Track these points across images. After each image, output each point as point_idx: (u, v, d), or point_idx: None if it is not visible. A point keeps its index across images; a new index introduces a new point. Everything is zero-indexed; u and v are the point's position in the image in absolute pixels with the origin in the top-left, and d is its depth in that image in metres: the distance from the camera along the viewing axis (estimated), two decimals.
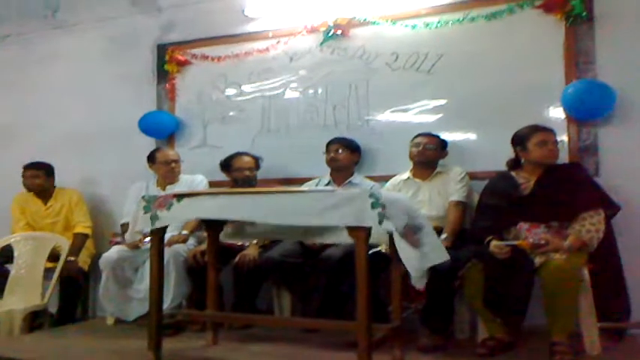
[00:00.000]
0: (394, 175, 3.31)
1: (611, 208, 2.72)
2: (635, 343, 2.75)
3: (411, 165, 3.25)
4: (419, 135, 3.19)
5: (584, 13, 3.14)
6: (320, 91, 3.76)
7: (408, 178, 3.20)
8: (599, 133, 3.13)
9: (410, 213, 2.41)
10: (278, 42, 3.86)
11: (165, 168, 3.60)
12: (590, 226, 2.61)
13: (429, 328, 2.73)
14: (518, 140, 2.85)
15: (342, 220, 2.27)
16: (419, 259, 2.31)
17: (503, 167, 2.97)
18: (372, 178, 3.41)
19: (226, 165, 3.50)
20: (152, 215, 2.50)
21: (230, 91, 4.01)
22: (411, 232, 2.32)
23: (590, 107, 3.05)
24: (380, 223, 2.18)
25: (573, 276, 2.49)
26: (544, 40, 3.25)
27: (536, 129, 2.80)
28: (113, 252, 3.35)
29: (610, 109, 3.06)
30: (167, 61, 4.15)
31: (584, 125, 3.14)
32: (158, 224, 2.49)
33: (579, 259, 2.56)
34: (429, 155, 3.14)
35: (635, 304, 2.75)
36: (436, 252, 2.42)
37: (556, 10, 3.21)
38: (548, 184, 2.74)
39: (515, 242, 2.62)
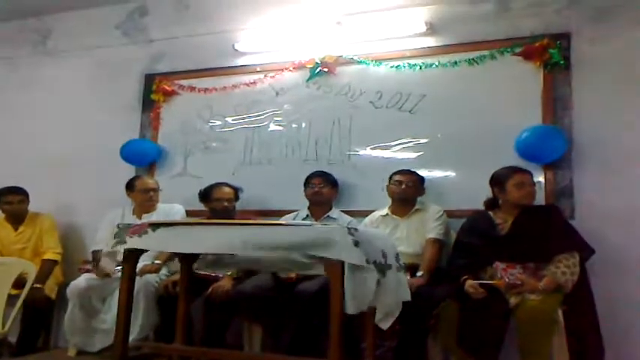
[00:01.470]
0: (372, 211, 3.35)
1: (585, 250, 2.77)
2: None
3: (389, 202, 3.27)
4: (398, 172, 3.25)
5: (562, 61, 3.28)
6: (304, 125, 3.83)
7: (387, 214, 3.24)
8: (574, 176, 3.21)
9: (385, 250, 2.40)
10: (265, 76, 3.96)
11: (143, 196, 3.59)
12: (565, 268, 2.65)
13: None
14: (497, 181, 2.91)
15: (319, 253, 2.24)
16: (383, 299, 2.27)
17: (480, 207, 3.04)
18: (350, 213, 3.45)
19: (205, 195, 3.50)
20: (125, 243, 2.45)
21: (214, 122, 4.07)
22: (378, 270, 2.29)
23: (536, 151, 3.18)
24: (355, 258, 2.15)
25: (548, 317, 2.52)
26: (523, 85, 3.37)
27: (514, 170, 2.87)
28: (82, 280, 3.29)
29: (559, 153, 3.17)
30: (154, 91, 4.22)
31: (560, 168, 3.22)
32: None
33: (554, 301, 2.59)
34: (409, 193, 3.19)
35: (608, 346, 2.76)
36: (402, 291, 2.39)
37: (535, 57, 3.34)
38: (524, 225, 2.80)
39: (491, 282, 2.64)
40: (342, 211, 3.45)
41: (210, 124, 4.06)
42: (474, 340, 2.57)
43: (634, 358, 2.95)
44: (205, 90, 4.10)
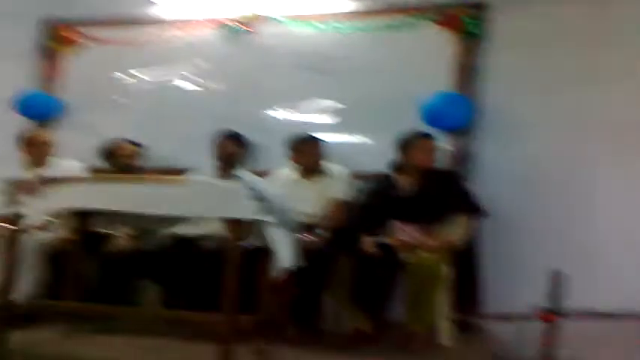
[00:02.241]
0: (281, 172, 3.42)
1: (479, 212, 3.00)
2: (485, 334, 3.02)
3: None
4: (302, 142, 3.29)
5: (476, 31, 3.46)
6: (217, 83, 3.85)
7: (293, 176, 3.33)
8: (477, 142, 3.42)
9: (285, 209, 2.48)
10: (180, 31, 3.88)
11: (34, 150, 3.46)
12: (458, 228, 2.86)
13: (297, 320, 2.86)
14: (402, 144, 3.08)
15: (219, 211, 2.31)
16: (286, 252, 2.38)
17: (386, 169, 3.19)
18: (259, 173, 3.47)
19: (107, 152, 3.45)
20: (12, 199, 2.40)
21: (123, 77, 3.98)
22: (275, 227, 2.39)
23: (440, 117, 3.31)
24: (256, 215, 2.23)
25: (437, 273, 2.73)
26: (437, 53, 3.53)
27: (418, 135, 3.04)
28: None
29: (463, 120, 3.35)
30: (54, 39, 4.03)
31: (463, 135, 3.41)
32: (18, 209, 2.39)
33: (444, 259, 2.79)
34: (315, 161, 3.28)
35: (491, 300, 3.03)
36: (291, 250, 2.51)
37: (451, 26, 3.51)
38: (424, 188, 3.00)
39: (387, 240, 2.78)
40: (254, 171, 3.49)
41: (119, 78, 3.97)
42: (367, 295, 2.76)
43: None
44: (115, 41, 3.98)
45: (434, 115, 3.30)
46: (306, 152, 3.26)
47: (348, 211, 3.17)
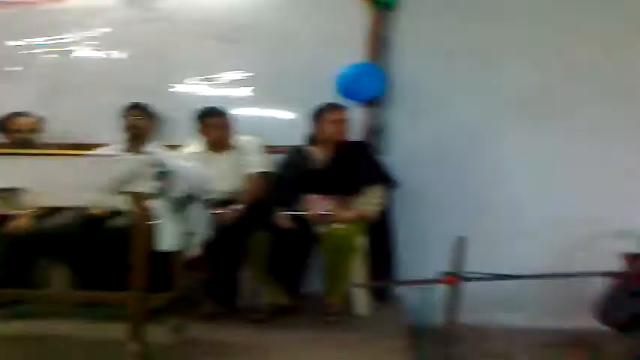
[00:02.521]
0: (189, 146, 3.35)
1: (391, 183, 3.11)
2: (399, 303, 3.20)
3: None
4: (209, 115, 3.21)
5: (390, 1, 3.50)
6: (120, 51, 3.69)
7: (202, 150, 3.26)
8: (389, 114, 3.52)
9: (196, 184, 2.45)
10: None
11: None
12: (371, 199, 2.93)
13: (212, 296, 2.86)
14: (314, 116, 3.11)
15: (125, 187, 2.23)
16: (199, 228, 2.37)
17: (301, 142, 3.23)
18: (170, 147, 3.39)
19: (2, 126, 3.20)
20: None
21: (14, 43, 3.68)
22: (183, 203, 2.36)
23: (353, 89, 3.36)
24: (164, 191, 2.18)
25: (352, 244, 2.82)
26: (351, 23, 3.55)
27: (331, 106, 3.08)
28: None
29: (376, 92, 3.43)
30: None
31: (376, 106, 3.48)
32: None
33: (358, 230, 2.86)
34: (224, 135, 3.22)
35: (405, 268, 3.18)
36: (201, 227, 2.49)
37: None
38: (337, 160, 3.07)
39: (302, 213, 2.82)
40: (165, 145, 3.40)
41: (9, 44, 3.68)
42: (282, 269, 2.82)
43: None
44: (4, 5, 3.68)
45: (348, 87, 3.35)
46: (214, 125, 3.19)
47: (265, 184, 3.19)
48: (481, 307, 3.41)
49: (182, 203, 2.30)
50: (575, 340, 2.28)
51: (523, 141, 3.48)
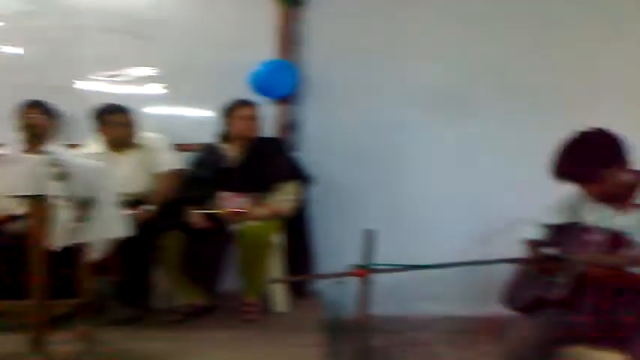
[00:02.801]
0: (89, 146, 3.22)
1: (306, 180, 3.14)
2: (317, 298, 3.23)
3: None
4: (111, 111, 3.09)
5: None
6: (16, 46, 3.48)
7: (103, 150, 3.12)
8: (302, 110, 3.54)
9: (96, 185, 2.35)
10: None
11: None
12: (286, 195, 2.96)
13: (123, 300, 2.78)
14: (224, 113, 3.08)
15: (20, 188, 2.11)
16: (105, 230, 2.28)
17: (213, 140, 3.19)
18: (73, 146, 3.24)
19: None
20: None
21: None
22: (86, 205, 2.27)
23: (267, 86, 3.37)
24: (65, 193, 2.08)
25: (267, 242, 2.82)
26: (259, 18, 3.54)
27: (240, 103, 3.07)
28: None
29: (289, 89, 3.46)
30: None
31: (289, 103, 3.50)
32: None
33: (273, 226, 2.87)
34: (125, 133, 3.10)
35: (323, 264, 3.22)
36: (112, 226, 2.40)
37: None
38: (250, 157, 3.05)
39: (216, 211, 2.79)
40: (68, 144, 3.24)
41: None
42: (198, 268, 2.78)
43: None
44: None
45: (261, 84, 3.35)
46: (114, 123, 3.05)
47: (176, 183, 3.11)
48: (401, 298, 3.53)
49: (84, 204, 2.21)
50: (487, 325, 2.40)
51: (432, 136, 3.60)
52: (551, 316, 1.93)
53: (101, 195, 2.32)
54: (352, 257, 2.44)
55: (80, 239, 2.23)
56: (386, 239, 3.21)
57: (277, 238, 2.93)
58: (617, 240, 1.89)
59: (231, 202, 2.90)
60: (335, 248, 3.36)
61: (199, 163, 3.08)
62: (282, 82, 3.41)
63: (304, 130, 3.52)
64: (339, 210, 3.49)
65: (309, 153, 3.44)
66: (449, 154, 3.61)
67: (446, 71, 3.59)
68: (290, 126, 3.48)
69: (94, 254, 2.30)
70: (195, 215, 2.80)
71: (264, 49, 3.45)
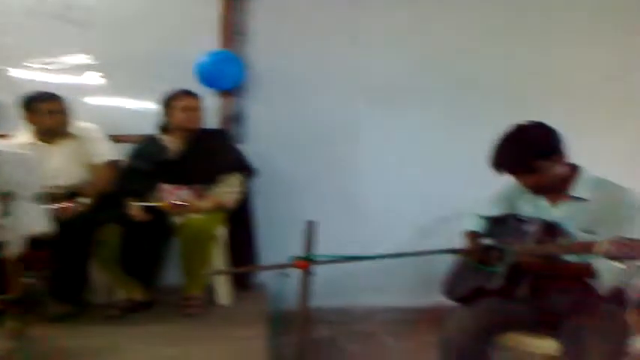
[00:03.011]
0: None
1: (249, 172, 3.11)
2: (261, 290, 3.21)
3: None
4: (41, 99, 2.93)
5: None
6: None
7: (33, 141, 2.96)
8: (246, 102, 3.50)
9: (18, 179, 2.24)
10: None
11: None
12: (229, 188, 2.92)
13: (58, 296, 2.68)
14: (165, 104, 3.02)
15: None
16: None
17: (153, 131, 3.11)
18: (2, 136, 3.10)
19: None
20: None
21: None
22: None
23: (217, 78, 3.34)
24: None
25: (209, 235, 2.77)
26: (202, 9, 3.46)
27: (181, 93, 3.01)
28: None
29: (237, 83, 3.41)
30: None
31: (233, 94, 3.45)
32: None
33: (216, 219, 2.83)
34: (61, 121, 2.96)
35: (267, 256, 3.20)
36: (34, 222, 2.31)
37: None
38: (193, 149, 2.99)
39: (156, 204, 2.72)
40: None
41: None
42: (137, 262, 2.71)
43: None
44: None
45: (207, 75, 3.29)
46: (44, 112, 2.90)
47: (113, 174, 3.02)
48: (345, 290, 3.56)
49: (8, 196, 2.11)
50: (429, 315, 2.45)
51: (378, 128, 3.63)
52: (489, 305, 1.98)
53: (22, 188, 2.21)
54: (296, 249, 2.46)
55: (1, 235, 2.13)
56: (331, 231, 3.23)
57: (220, 231, 2.89)
58: (551, 230, 1.96)
59: (172, 195, 2.83)
60: (279, 240, 3.34)
61: (138, 155, 2.99)
62: (228, 73, 3.35)
63: (248, 121, 3.47)
64: (284, 202, 3.48)
65: (253, 145, 3.40)
66: (394, 146, 3.65)
67: (393, 64, 3.62)
68: (234, 118, 3.43)
69: (14, 250, 2.19)
70: (134, 208, 2.72)
71: (207, 40, 3.39)
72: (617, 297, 1.96)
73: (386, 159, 3.64)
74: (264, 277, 3.27)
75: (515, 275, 1.93)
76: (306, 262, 1.62)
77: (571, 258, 1.93)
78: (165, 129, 3.04)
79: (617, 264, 1.53)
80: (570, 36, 3.70)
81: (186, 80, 3.23)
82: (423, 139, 3.65)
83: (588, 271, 1.89)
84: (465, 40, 3.65)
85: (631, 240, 1.48)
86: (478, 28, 3.66)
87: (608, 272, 1.86)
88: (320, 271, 1.91)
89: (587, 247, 1.66)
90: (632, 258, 1.50)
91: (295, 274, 1.89)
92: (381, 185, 3.63)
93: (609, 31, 3.71)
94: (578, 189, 2.00)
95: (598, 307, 1.87)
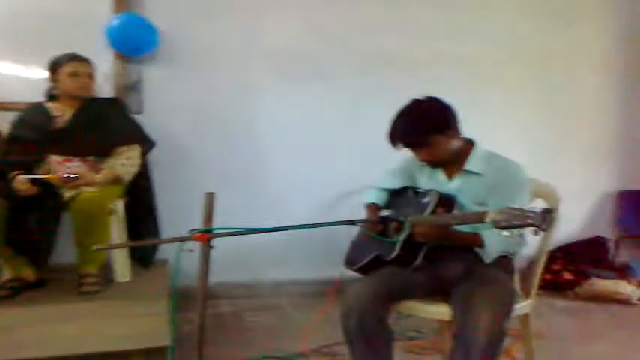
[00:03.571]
0: None
1: (147, 143, 3.00)
2: (162, 267, 3.14)
3: None
4: None
5: None
6: None
7: None
8: (144, 70, 3.38)
9: None
10: None
11: None
12: (125, 160, 2.81)
13: None
14: (51, 68, 2.85)
15: None
16: None
17: (40, 99, 2.91)
18: None
19: None
20: None
21: None
22: None
23: (134, 43, 3.24)
24: None
25: (104, 209, 2.66)
26: None
27: (69, 58, 2.82)
28: None
29: (153, 47, 3.29)
30: None
31: (129, 61, 3.30)
32: None
33: (112, 193, 2.73)
34: None
35: (167, 231, 3.13)
36: None
37: None
38: (84, 118, 2.83)
39: (44, 177, 2.57)
40: None
41: None
42: (25, 238, 2.55)
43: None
44: None
45: (115, 39, 3.15)
46: None
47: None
48: (250, 264, 3.57)
49: None
50: (332, 287, 2.50)
51: (284, 101, 3.64)
52: (387, 273, 2.06)
53: None
54: (198, 223, 2.42)
55: None
56: (233, 206, 3.23)
57: (116, 206, 2.78)
58: (446, 202, 2.06)
59: (61, 167, 2.67)
60: (180, 215, 3.27)
61: (23, 124, 2.78)
62: (137, 38, 3.21)
63: (149, 90, 3.35)
64: (184, 176, 3.41)
65: (151, 115, 3.30)
66: (298, 120, 3.67)
67: (297, 37, 3.62)
68: (131, 86, 3.29)
69: None
70: (20, 181, 2.52)
71: (102, 2, 3.22)
72: (505, 264, 2.11)
73: (292, 133, 3.66)
74: (166, 254, 3.20)
75: (411, 245, 2.01)
76: (206, 235, 1.59)
77: (464, 228, 2.04)
78: (53, 97, 2.85)
79: (504, 233, 1.62)
80: (473, 14, 3.87)
81: (82, 44, 3.01)
82: (328, 113, 3.69)
83: (477, 240, 2.02)
84: (370, 15, 3.71)
85: (519, 210, 1.58)
86: (384, 3, 3.73)
87: (497, 241, 2.00)
88: (224, 247, 1.90)
89: (478, 218, 1.75)
90: (519, 227, 1.59)
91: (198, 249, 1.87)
92: (285, 160, 3.64)
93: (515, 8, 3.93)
94: (473, 163, 2.11)
95: (487, 274, 2.00)
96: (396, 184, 2.33)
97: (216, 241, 1.66)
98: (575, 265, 3.93)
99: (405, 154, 2.16)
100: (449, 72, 3.77)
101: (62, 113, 2.80)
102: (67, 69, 2.76)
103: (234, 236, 1.67)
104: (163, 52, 3.36)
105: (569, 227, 4.18)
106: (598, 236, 4.23)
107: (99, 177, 2.66)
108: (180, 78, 3.42)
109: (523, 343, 2.40)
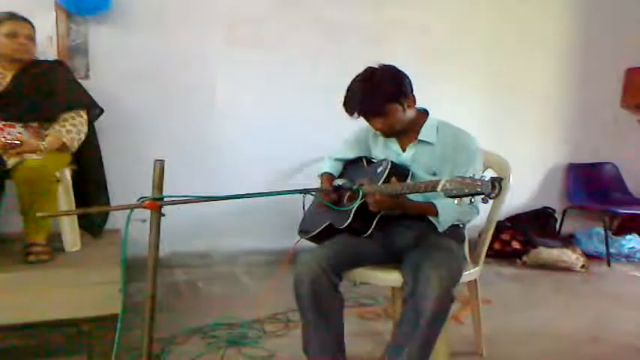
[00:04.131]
0: None
1: (94, 109, 2.92)
2: (112, 236, 3.08)
3: None
4: None
5: None
6: None
7: None
8: (90, 32, 3.26)
9: None
10: None
11: None
12: (71, 127, 2.73)
13: None
14: None
15: None
16: None
17: None
18: None
19: None
20: None
21: None
22: None
23: (89, 1, 3.13)
24: None
25: (49, 177, 2.58)
26: None
27: (6, 17, 2.68)
28: None
29: (107, 6, 3.20)
30: None
31: (75, 22, 3.17)
32: None
33: (58, 160, 2.65)
34: None
35: (117, 198, 3.08)
36: None
37: None
38: (26, 82, 2.71)
39: None
40: None
41: None
42: None
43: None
44: None
45: None
46: None
47: None
48: (206, 234, 3.55)
49: None
50: (287, 256, 2.52)
51: (238, 67, 3.58)
52: (340, 241, 2.09)
53: None
54: (149, 191, 2.38)
55: None
56: (186, 174, 3.19)
57: (63, 174, 2.70)
58: (399, 171, 2.09)
59: (2, 133, 2.55)
60: (131, 183, 3.21)
61: None
62: None
63: (96, 54, 3.24)
64: (135, 143, 3.34)
65: (98, 80, 3.21)
66: (254, 86, 3.62)
67: (254, 2, 3.55)
68: (77, 49, 3.17)
69: None
70: None
71: None
72: (456, 233, 2.17)
73: (245, 100, 3.62)
74: (118, 223, 3.15)
75: (364, 214, 2.04)
76: (156, 202, 1.57)
77: (417, 197, 2.08)
78: None
79: (455, 202, 1.66)
80: None
81: (19, 1, 2.86)
82: (284, 80, 3.66)
83: (430, 209, 2.06)
84: None
85: (469, 179, 1.61)
86: None
87: (451, 211, 2.05)
88: (178, 216, 1.89)
89: (430, 187, 1.78)
90: (469, 195, 1.63)
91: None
92: (240, 127, 3.61)
93: None
94: (426, 133, 2.14)
95: (437, 242, 2.05)
96: (350, 154, 2.34)
97: (169, 211, 1.64)
98: (524, 235, 4.08)
99: (361, 123, 2.17)
100: (400, 40, 3.79)
101: (1, 76, 2.68)
102: (3, 29, 2.63)
103: (189, 205, 1.65)
104: (113, 13, 3.24)
105: (520, 198, 4.32)
106: (546, 207, 4.40)
107: (43, 144, 2.56)
108: (130, 41, 3.31)
109: (470, 309, 2.50)
